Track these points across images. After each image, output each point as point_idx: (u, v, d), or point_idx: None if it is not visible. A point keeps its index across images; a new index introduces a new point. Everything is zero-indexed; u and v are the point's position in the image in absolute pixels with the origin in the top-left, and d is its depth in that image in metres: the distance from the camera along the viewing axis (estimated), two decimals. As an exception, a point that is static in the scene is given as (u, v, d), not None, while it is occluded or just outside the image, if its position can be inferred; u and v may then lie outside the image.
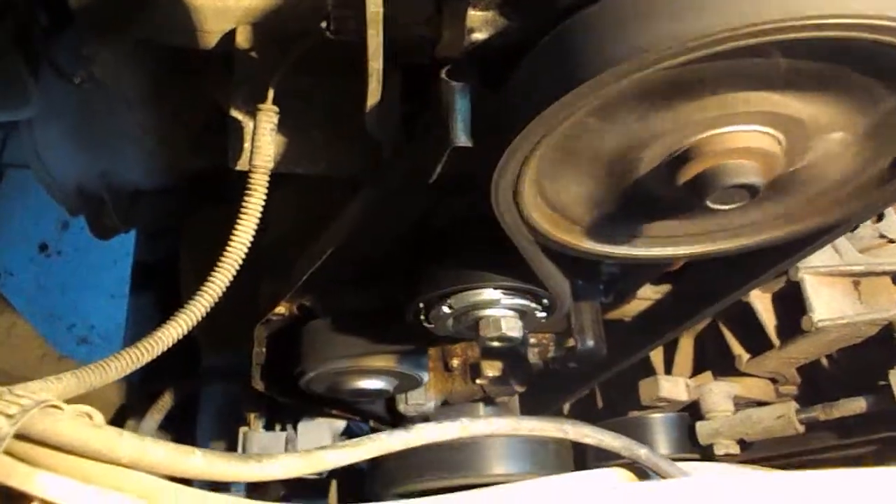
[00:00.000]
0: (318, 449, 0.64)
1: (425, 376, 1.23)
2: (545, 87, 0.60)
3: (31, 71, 1.19)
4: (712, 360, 1.34)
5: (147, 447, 0.51)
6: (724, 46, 0.54)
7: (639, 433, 1.30)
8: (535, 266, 0.81)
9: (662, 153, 0.67)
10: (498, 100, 0.67)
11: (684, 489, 0.65)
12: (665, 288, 1.18)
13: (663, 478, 0.81)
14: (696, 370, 1.38)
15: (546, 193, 0.73)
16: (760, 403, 1.28)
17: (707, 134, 0.65)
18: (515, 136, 0.62)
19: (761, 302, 1.19)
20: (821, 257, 1.11)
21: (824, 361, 1.24)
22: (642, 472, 0.84)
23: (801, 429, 1.16)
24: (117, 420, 1.60)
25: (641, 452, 0.81)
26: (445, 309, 0.90)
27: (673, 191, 0.68)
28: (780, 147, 0.65)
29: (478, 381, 1.29)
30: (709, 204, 0.66)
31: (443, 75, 0.66)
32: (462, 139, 0.64)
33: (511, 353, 1.26)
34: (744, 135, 0.64)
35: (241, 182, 0.84)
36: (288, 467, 0.60)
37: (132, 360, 0.69)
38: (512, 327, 0.89)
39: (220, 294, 0.78)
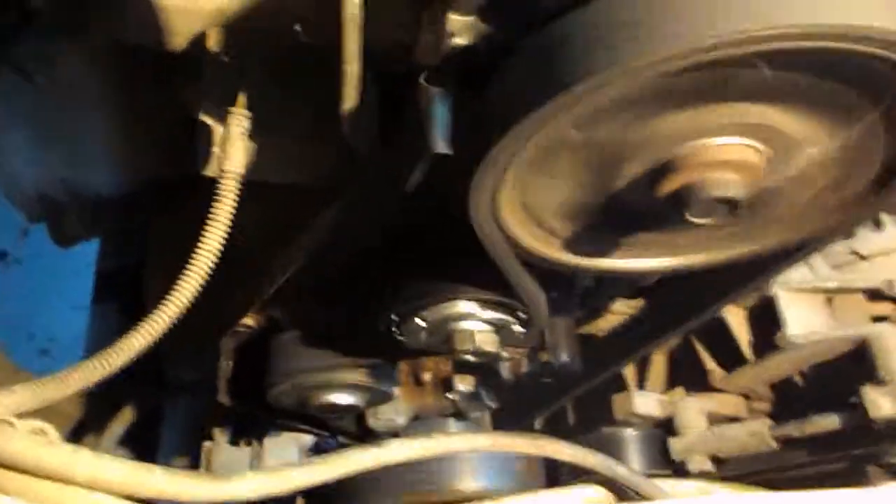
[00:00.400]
0: (288, 467, 0.61)
1: (396, 390, 1.21)
2: (525, 96, 0.59)
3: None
4: (685, 375, 1.34)
5: (105, 466, 0.48)
6: (709, 56, 0.53)
7: (612, 449, 1.29)
8: (512, 278, 0.80)
9: (643, 165, 0.66)
10: (478, 107, 0.65)
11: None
12: (639, 303, 1.17)
13: (642, 496, 0.79)
14: (669, 385, 1.37)
15: (524, 204, 0.71)
16: (733, 419, 1.27)
17: (688, 146, 0.64)
18: (494, 145, 0.61)
19: (734, 317, 1.18)
20: (794, 273, 1.11)
21: (796, 377, 1.24)
22: (619, 488, 0.82)
23: (775, 445, 1.16)
24: (76, 434, 1.55)
25: (619, 470, 0.79)
26: (419, 321, 0.88)
27: (653, 203, 0.67)
28: (763, 160, 0.64)
29: (449, 396, 1.28)
30: (688, 217, 0.65)
31: (421, 80, 0.65)
32: (441, 146, 0.63)
33: (484, 367, 1.24)
34: (726, 147, 0.63)
35: (209, 190, 0.81)
36: (256, 487, 0.57)
37: (92, 372, 0.66)
38: (487, 341, 0.88)
39: (187, 304, 0.75)
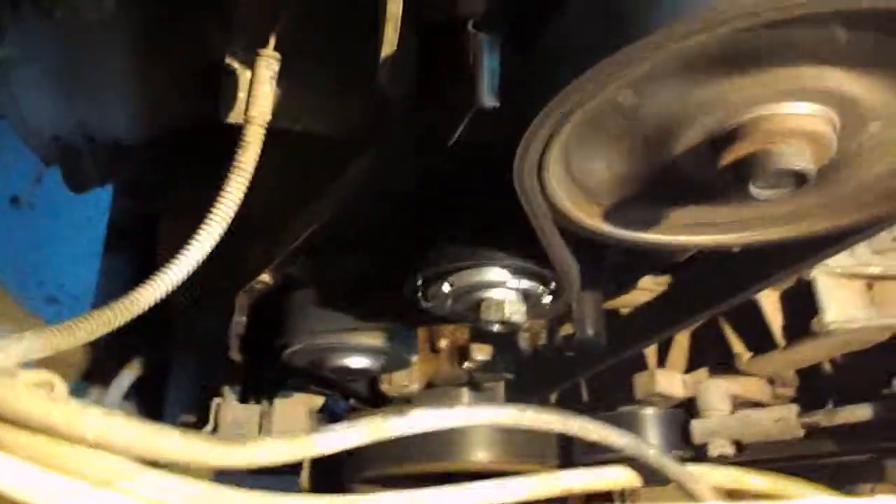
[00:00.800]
0: (306, 434, 0.57)
1: (413, 357, 1.18)
2: (580, 52, 0.54)
3: (8, 5, 1.11)
4: (709, 356, 1.30)
5: (116, 425, 0.45)
6: (788, 13, 0.48)
7: (630, 428, 1.26)
8: (548, 246, 0.75)
9: (704, 132, 0.61)
10: (527, 61, 0.60)
11: None
12: (667, 279, 1.13)
13: (670, 479, 0.76)
14: (691, 366, 1.34)
15: (572, 169, 0.66)
16: (756, 404, 1.23)
17: (757, 112, 0.59)
18: (545, 105, 0.56)
19: (768, 299, 1.14)
20: (835, 257, 1.06)
21: (826, 365, 1.20)
22: (645, 469, 0.78)
23: (801, 433, 1.12)
24: (81, 386, 1.53)
25: (650, 452, 0.75)
26: (446, 287, 0.84)
27: (710, 175, 0.62)
28: (835, 130, 0.59)
29: (465, 365, 1.25)
30: (751, 190, 0.60)
31: (469, 27, 0.60)
32: (488, 99, 0.58)
33: (502, 337, 1.21)
34: (797, 115, 0.58)
35: (234, 139, 0.77)
36: (273, 453, 0.54)
37: (105, 321, 0.63)
38: (516, 311, 0.84)
39: (206, 255, 0.71)
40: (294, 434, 0.56)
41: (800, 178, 0.58)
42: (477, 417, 0.72)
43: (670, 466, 0.75)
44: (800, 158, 0.57)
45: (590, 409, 1.42)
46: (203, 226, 0.71)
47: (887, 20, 0.51)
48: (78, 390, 1.51)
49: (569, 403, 1.48)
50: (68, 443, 0.43)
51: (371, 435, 0.63)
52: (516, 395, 1.33)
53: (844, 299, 1.05)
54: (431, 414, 0.68)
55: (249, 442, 0.53)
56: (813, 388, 1.24)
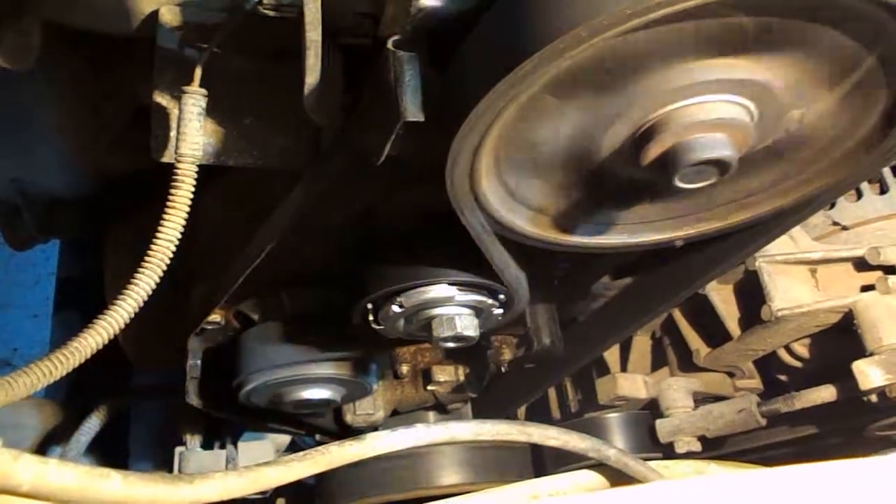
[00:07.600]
0: (259, 465, 0.56)
1: (375, 384, 1.17)
2: (494, 61, 0.55)
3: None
4: (669, 355, 1.31)
5: (51, 471, 0.43)
6: (675, 9, 0.49)
7: (598, 434, 1.26)
8: (492, 259, 0.76)
9: (625, 132, 0.63)
10: (446, 78, 0.61)
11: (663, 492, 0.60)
12: (621, 283, 1.14)
13: (634, 478, 0.76)
14: (653, 367, 1.35)
15: (505, 179, 0.67)
16: (719, 399, 1.25)
17: (669, 108, 0.60)
18: (464, 119, 0.56)
19: (719, 294, 1.16)
20: (777, 245, 1.09)
21: (787, 357, 1.21)
22: (613, 472, 0.79)
23: (763, 422, 1.13)
24: (45, 446, 1.49)
25: (610, 453, 0.76)
26: (395, 308, 0.84)
27: (641, 172, 0.64)
28: (751, 117, 0.61)
29: (429, 388, 1.24)
30: (677, 183, 0.61)
31: (389, 46, 0.60)
32: (412, 113, 0.58)
33: (464, 356, 1.21)
34: (709, 106, 0.60)
35: (168, 179, 0.76)
36: (225, 487, 0.52)
37: (43, 373, 0.61)
38: (467, 325, 0.84)
39: (146, 297, 0.70)
40: (245, 467, 0.55)
41: (721, 167, 0.60)
42: (435, 436, 0.72)
43: (632, 465, 0.75)
44: (717, 147, 0.58)
45: (559, 421, 1.42)
46: (142, 267, 0.70)
47: (789, 6, 0.53)
48: (43, 452, 1.46)
49: (539, 416, 1.48)
50: (4, 496, 0.42)
51: (325, 462, 0.62)
52: (484, 413, 1.33)
53: (790, 286, 1.07)
54: (389, 435, 0.68)
55: (198, 478, 0.51)
56: (777, 380, 1.25)
